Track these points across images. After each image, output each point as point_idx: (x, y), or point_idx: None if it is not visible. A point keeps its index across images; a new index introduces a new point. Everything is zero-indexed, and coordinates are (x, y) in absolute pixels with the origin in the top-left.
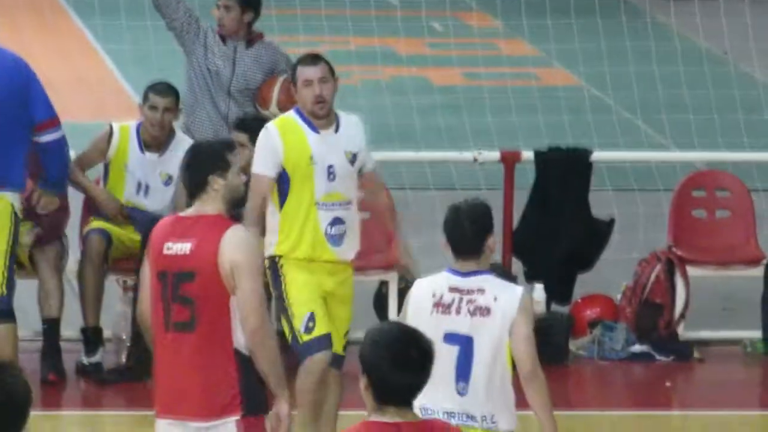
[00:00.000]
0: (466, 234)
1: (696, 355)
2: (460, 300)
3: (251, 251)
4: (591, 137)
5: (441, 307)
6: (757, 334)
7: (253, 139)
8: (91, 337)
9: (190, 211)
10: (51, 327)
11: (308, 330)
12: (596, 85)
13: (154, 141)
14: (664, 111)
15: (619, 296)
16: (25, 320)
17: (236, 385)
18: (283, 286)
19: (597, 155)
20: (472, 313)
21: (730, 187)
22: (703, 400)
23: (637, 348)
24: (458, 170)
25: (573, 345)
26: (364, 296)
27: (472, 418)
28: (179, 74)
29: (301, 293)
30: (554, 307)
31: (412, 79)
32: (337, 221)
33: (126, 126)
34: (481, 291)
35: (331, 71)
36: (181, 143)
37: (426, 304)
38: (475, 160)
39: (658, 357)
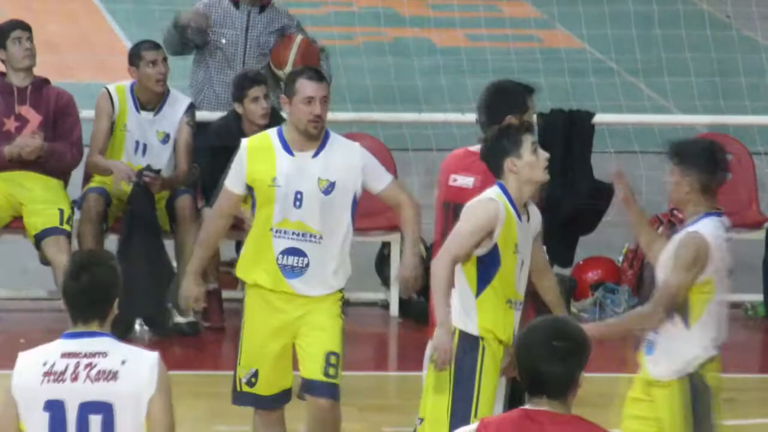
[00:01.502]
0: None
1: None
2: None
3: None
4: (593, 100)
5: None
6: (758, 297)
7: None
8: None
9: (479, 146)
10: None
11: (250, 384)
12: (599, 47)
13: (150, 100)
14: (667, 74)
15: (621, 259)
16: (35, 280)
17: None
18: (242, 320)
19: (599, 117)
20: None
21: (732, 150)
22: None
23: None
24: (461, 131)
25: (575, 307)
26: (366, 258)
27: None
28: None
29: (253, 340)
30: (556, 269)
31: (415, 41)
32: (293, 252)
33: (121, 86)
34: None
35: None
36: (176, 101)
37: None
38: (478, 121)
39: None
